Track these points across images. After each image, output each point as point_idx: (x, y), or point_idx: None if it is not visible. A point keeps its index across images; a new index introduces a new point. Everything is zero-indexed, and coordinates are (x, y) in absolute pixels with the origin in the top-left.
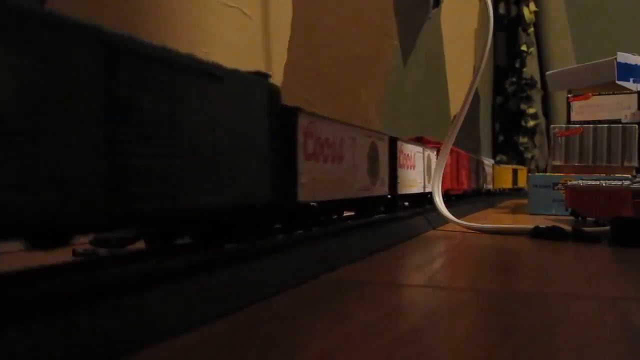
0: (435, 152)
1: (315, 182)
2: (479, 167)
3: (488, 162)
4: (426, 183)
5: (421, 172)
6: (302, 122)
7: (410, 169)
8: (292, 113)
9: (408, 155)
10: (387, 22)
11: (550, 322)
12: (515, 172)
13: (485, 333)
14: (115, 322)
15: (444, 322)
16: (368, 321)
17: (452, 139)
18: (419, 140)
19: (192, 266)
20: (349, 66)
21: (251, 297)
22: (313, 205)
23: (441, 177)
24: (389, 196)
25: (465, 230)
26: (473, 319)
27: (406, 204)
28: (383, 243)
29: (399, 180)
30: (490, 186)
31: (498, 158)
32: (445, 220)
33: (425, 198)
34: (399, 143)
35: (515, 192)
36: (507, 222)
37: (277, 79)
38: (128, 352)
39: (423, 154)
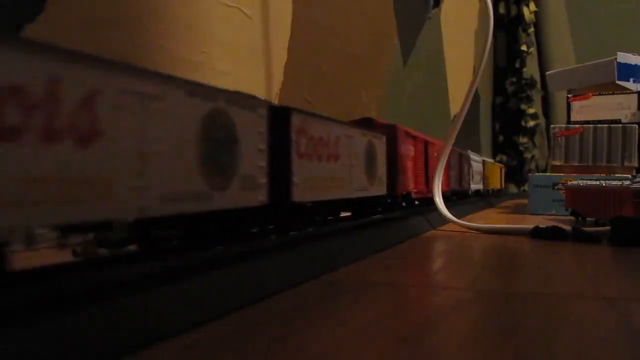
0: (384, 139)
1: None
2: (463, 163)
3: (477, 158)
4: (367, 183)
5: (354, 166)
6: None
7: (329, 161)
8: None
9: (323, 139)
10: (387, 22)
11: (550, 322)
12: (500, 170)
13: (485, 333)
14: (116, 322)
15: (445, 322)
16: (368, 321)
17: (452, 139)
18: (368, 123)
19: (192, 266)
20: (349, 66)
21: (251, 297)
22: None
23: (441, 177)
24: (279, 207)
25: (465, 230)
26: (474, 319)
27: (349, 213)
28: (383, 243)
29: (297, 180)
30: (480, 186)
31: (498, 158)
32: (446, 221)
33: (369, 205)
34: (298, 118)
35: (495, 193)
36: (507, 222)
37: (277, 79)
38: (128, 352)
39: (360, 140)
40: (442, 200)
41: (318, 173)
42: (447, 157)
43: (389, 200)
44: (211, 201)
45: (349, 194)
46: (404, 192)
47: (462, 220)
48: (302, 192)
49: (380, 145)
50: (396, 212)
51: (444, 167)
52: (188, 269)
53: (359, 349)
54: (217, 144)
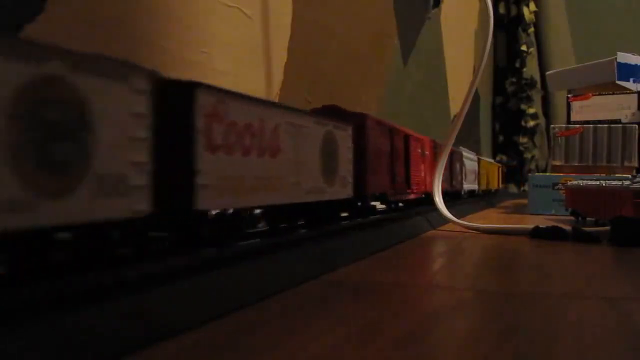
0: (349, 131)
1: None
2: (454, 160)
3: (472, 156)
4: (324, 184)
5: (303, 163)
6: None
7: (263, 155)
8: None
9: (252, 127)
10: (387, 22)
11: (550, 322)
12: (498, 169)
13: (485, 333)
14: (116, 322)
15: (445, 322)
16: (368, 321)
17: (452, 139)
18: (333, 111)
19: (192, 266)
20: (349, 66)
21: (251, 297)
22: None
23: (441, 176)
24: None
25: (465, 230)
26: (473, 319)
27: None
28: (383, 243)
29: (204, 182)
30: (474, 186)
31: (498, 158)
32: (445, 220)
33: (330, 210)
34: (210, 97)
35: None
36: (506, 222)
37: (277, 79)
38: (128, 352)
39: (314, 130)
40: (442, 200)
41: (243, 172)
42: (447, 156)
43: (359, 204)
44: (41, 213)
45: (296, 198)
46: (377, 194)
47: (462, 220)
48: (212, 198)
49: (345, 138)
50: (373, 216)
51: (443, 166)
52: (188, 269)
53: (359, 348)
54: (48, 129)
